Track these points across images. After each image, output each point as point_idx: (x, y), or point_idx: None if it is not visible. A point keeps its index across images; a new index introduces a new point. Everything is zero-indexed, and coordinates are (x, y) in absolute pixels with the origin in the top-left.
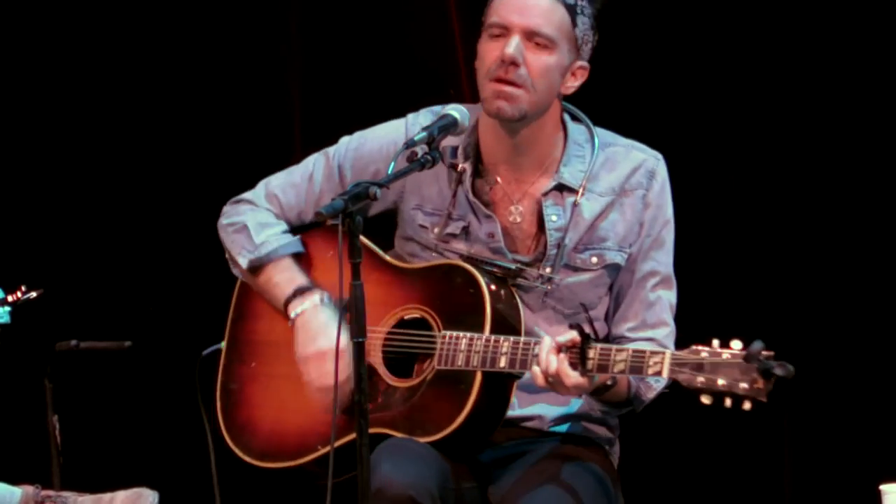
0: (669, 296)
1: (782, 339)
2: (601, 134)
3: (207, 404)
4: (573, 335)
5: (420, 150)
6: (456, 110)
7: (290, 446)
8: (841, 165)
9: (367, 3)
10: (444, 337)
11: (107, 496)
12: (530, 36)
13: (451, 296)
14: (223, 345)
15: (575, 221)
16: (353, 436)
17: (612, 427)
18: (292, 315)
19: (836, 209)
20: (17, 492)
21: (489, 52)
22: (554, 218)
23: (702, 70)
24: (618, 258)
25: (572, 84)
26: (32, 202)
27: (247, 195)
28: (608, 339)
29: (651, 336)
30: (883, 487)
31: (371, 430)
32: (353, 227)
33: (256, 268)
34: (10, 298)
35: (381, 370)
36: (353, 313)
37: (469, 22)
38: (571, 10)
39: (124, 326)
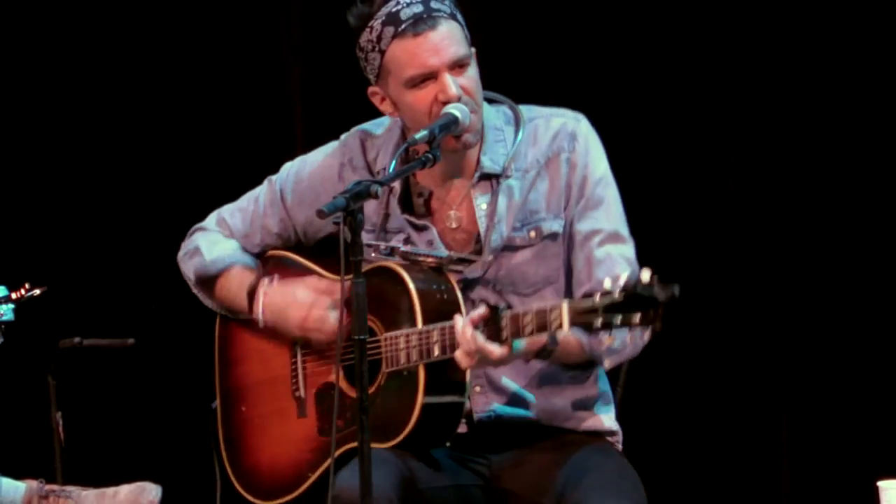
0: (622, 250)
1: (779, 336)
2: (524, 111)
3: (219, 454)
4: (481, 310)
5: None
6: (457, 109)
7: (288, 479)
8: (828, 154)
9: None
10: (385, 339)
11: (110, 490)
12: (453, 66)
13: (384, 297)
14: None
15: (508, 204)
16: (338, 452)
17: (611, 417)
18: (261, 323)
19: (833, 203)
20: (21, 486)
21: (421, 100)
22: (483, 206)
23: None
24: (554, 226)
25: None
26: (36, 201)
27: (199, 224)
28: None
29: None
30: (881, 483)
31: (345, 448)
32: (354, 225)
33: (208, 281)
34: (14, 296)
35: (344, 385)
36: (353, 311)
37: (471, 20)
38: (455, 18)
39: (127, 324)
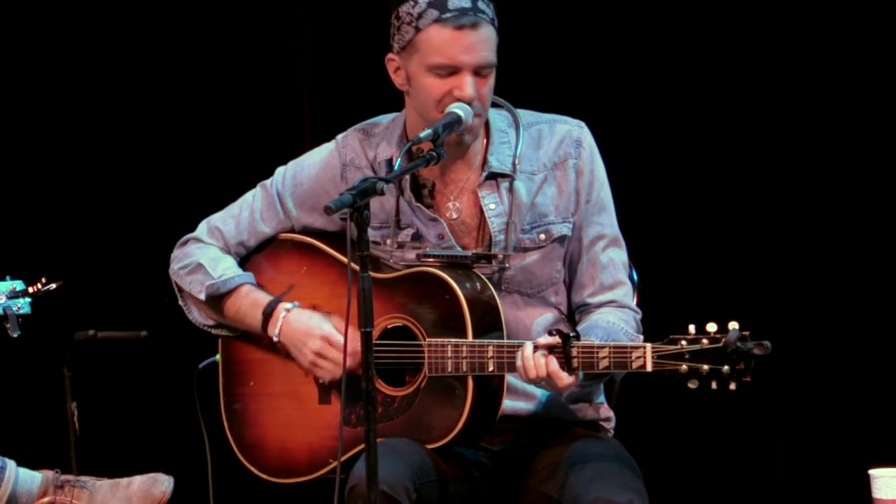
0: (620, 255)
1: (773, 331)
2: (523, 115)
3: (206, 416)
4: (553, 339)
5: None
6: (460, 108)
7: (302, 462)
8: (820, 157)
9: None
10: (429, 345)
11: (124, 481)
12: (479, 69)
13: (429, 303)
14: (218, 357)
15: (515, 205)
16: (361, 446)
17: (605, 405)
18: (275, 339)
19: (824, 201)
20: (37, 476)
21: (435, 88)
22: (492, 206)
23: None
24: (564, 229)
25: None
26: (52, 197)
27: (190, 235)
28: (570, 308)
29: (611, 298)
30: (872, 472)
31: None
32: (360, 221)
33: (217, 298)
34: (30, 290)
35: (381, 383)
36: (361, 304)
37: None
38: (494, 24)
39: (141, 317)
